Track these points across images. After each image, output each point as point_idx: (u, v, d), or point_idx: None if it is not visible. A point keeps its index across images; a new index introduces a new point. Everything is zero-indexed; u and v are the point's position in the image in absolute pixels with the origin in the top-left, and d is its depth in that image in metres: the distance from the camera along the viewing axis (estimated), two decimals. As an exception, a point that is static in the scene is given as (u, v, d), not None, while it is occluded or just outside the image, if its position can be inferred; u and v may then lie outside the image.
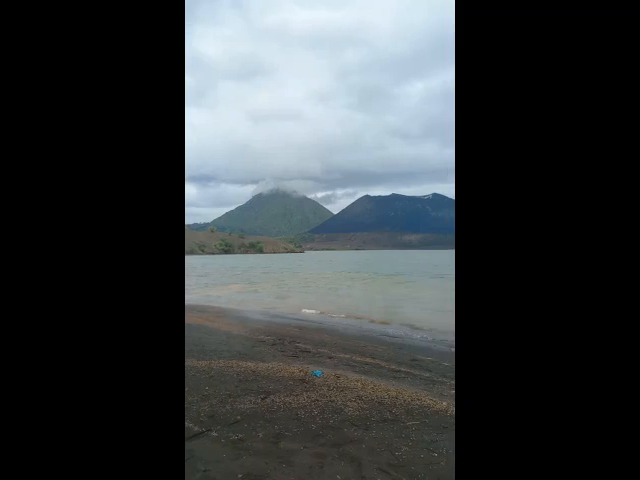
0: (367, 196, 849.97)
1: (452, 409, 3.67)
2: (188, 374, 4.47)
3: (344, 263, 61.28)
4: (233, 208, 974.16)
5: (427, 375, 5.48)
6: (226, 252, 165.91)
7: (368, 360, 6.29)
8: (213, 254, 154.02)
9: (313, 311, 12.76)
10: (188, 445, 2.68)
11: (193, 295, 16.49)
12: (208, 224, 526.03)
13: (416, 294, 18.57)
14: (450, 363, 6.46)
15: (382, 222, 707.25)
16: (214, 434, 2.92)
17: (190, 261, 62.48)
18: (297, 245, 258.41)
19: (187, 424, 3.04)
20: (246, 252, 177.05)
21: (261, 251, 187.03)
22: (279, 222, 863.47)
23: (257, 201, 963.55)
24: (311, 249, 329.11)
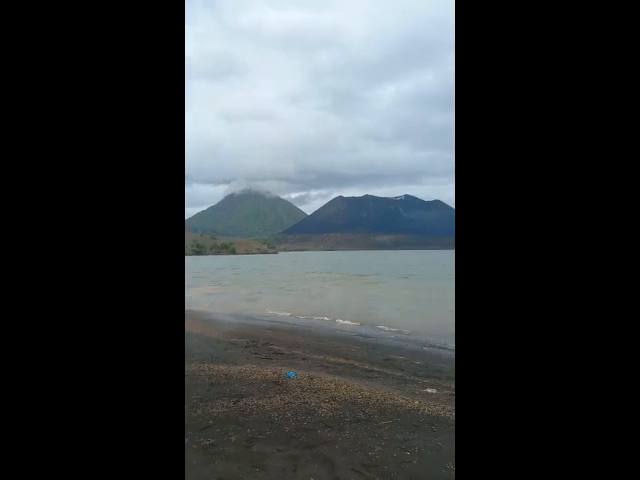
0: (341, 197, 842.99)
1: (423, 407, 3.73)
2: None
3: (317, 264, 61.38)
4: (205, 208, 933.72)
5: (399, 374, 5.56)
6: (197, 253, 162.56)
7: (342, 360, 6.32)
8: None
9: (286, 313, 12.68)
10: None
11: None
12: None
13: (389, 295, 18.83)
14: (422, 361, 6.59)
15: (355, 223, 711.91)
16: (185, 440, 2.86)
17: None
18: (270, 246, 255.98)
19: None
20: (218, 253, 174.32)
21: (234, 252, 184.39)
22: (252, 223, 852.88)
23: (229, 201, 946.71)
24: (285, 250, 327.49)
